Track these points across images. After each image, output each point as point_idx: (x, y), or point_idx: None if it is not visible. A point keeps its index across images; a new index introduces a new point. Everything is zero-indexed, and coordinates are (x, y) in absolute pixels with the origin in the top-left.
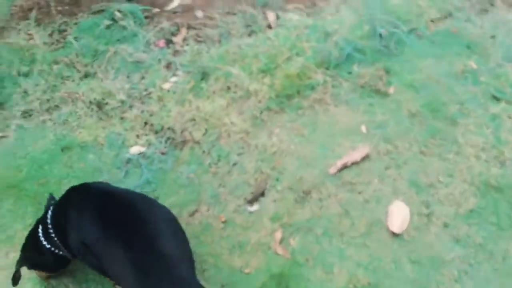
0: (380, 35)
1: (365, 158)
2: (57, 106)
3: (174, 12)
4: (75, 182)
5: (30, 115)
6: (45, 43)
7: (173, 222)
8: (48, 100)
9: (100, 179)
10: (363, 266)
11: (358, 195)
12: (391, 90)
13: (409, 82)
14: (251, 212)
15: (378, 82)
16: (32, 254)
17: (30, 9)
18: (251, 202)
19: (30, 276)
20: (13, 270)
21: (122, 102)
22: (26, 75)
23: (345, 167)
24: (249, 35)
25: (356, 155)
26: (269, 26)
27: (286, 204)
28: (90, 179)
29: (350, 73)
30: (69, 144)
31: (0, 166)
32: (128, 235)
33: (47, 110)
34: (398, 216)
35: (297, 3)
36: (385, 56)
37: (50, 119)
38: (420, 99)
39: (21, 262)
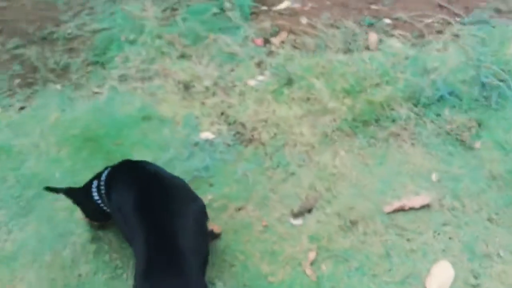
0: (483, 84)
1: (425, 206)
2: (150, 78)
3: (280, 13)
4: (145, 150)
5: (125, 80)
6: (156, 18)
7: (201, 218)
8: (143, 70)
9: (166, 154)
10: None
11: (405, 241)
12: (478, 145)
13: (500, 141)
14: (293, 225)
15: (466, 133)
16: (81, 200)
17: None
18: (296, 215)
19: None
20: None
21: (207, 88)
22: (131, 42)
23: (401, 209)
24: (345, 52)
25: (417, 201)
26: (368, 48)
27: (329, 228)
28: (157, 152)
29: (438, 115)
30: (150, 114)
31: (87, 118)
32: (154, 220)
33: (141, 79)
34: (440, 277)
35: (405, 31)
36: (481, 108)
37: (141, 88)
38: (507, 163)
39: (68, 193)
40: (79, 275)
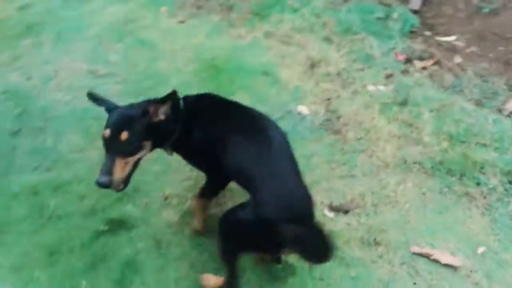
0: None
1: (452, 267)
2: (288, 43)
3: (439, 44)
4: (246, 95)
5: (269, 37)
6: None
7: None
8: (287, 36)
9: (260, 106)
10: None
11: (411, 284)
12: None
13: None
14: (324, 215)
15: None
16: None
17: None
18: (332, 208)
19: None
20: None
21: (329, 73)
22: (293, 10)
23: (426, 256)
24: (476, 104)
25: (446, 258)
26: (500, 111)
27: (353, 234)
28: (255, 101)
29: None
30: (270, 72)
31: (221, 51)
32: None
33: (281, 41)
34: None
35: None
36: None
37: (277, 48)
38: None
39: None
40: None
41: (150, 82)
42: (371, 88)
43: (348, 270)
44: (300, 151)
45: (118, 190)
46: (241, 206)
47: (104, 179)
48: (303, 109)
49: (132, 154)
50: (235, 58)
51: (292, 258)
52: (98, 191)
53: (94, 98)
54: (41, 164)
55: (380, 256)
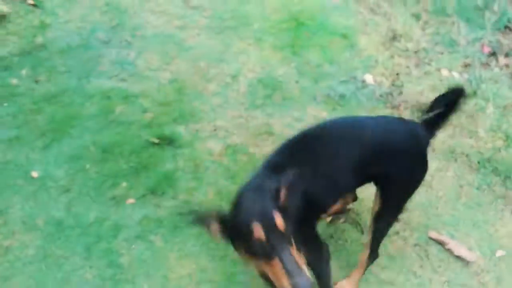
0: None
1: (464, 260)
2: (376, 13)
3: None
4: (319, 52)
5: (360, 3)
6: None
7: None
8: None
9: (328, 65)
10: None
11: (417, 266)
12: None
13: None
14: None
15: None
16: None
17: None
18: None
19: None
20: None
21: (406, 49)
22: None
23: (442, 244)
24: None
25: (461, 251)
26: None
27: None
28: (324, 59)
29: None
30: (350, 36)
31: (308, 7)
32: None
33: (369, 9)
34: None
35: None
36: None
37: (361, 15)
38: None
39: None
40: None
41: (234, 22)
42: (445, 72)
43: (361, 236)
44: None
45: None
46: None
47: (305, 280)
48: (369, 78)
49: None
50: (321, 16)
51: None
52: (160, 108)
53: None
54: (119, 74)
55: (397, 232)
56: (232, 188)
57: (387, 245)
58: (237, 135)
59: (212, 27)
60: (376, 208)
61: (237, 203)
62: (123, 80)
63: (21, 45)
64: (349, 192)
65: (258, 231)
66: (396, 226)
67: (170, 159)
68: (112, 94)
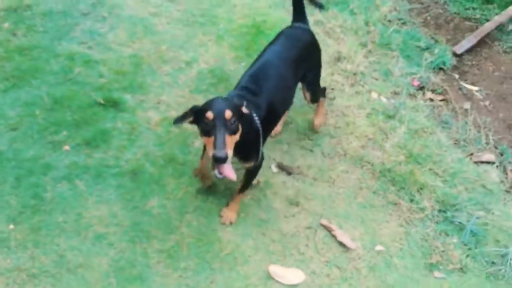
0: None
1: (346, 247)
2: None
3: (461, 88)
4: None
5: None
6: None
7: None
8: None
9: None
10: None
11: (305, 246)
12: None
13: None
14: (269, 167)
15: None
16: None
17: None
18: (279, 166)
19: None
20: None
21: None
22: None
23: (329, 230)
24: (455, 143)
25: (343, 239)
26: None
27: (281, 192)
28: None
29: None
30: None
31: None
32: None
33: None
34: None
35: None
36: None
37: None
38: None
39: None
40: None
41: (202, 19)
42: (374, 95)
43: (259, 212)
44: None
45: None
46: None
47: (222, 153)
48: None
49: (234, 132)
50: (279, 28)
51: None
52: (115, 76)
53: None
54: (88, 42)
55: (293, 215)
56: (159, 154)
57: (281, 223)
58: (176, 110)
59: (182, 19)
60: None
61: (207, 101)
62: (89, 48)
63: (9, 2)
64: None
65: (210, 115)
66: (294, 209)
67: (110, 119)
68: (76, 57)
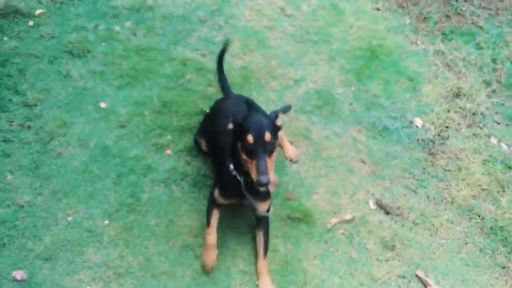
0: None
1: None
2: None
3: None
4: None
5: None
6: None
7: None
8: None
9: (386, 101)
10: None
11: None
12: None
13: None
14: (367, 203)
15: None
16: None
17: None
18: (378, 203)
19: None
20: None
21: None
22: None
23: (425, 284)
24: None
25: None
26: None
27: (376, 232)
28: None
29: None
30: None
31: None
32: None
33: None
34: None
35: None
36: None
37: None
38: None
39: None
40: None
41: (316, 37)
42: (493, 140)
43: (349, 250)
44: (389, 148)
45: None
46: None
47: (266, 178)
48: (418, 121)
49: (272, 152)
50: (396, 56)
51: None
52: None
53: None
54: (202, 49)
55: (386, 260)
56: None
57: (373, 266)
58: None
59: (295, 35)
60: None
61: (247, 117)
62: (203, 55)
63: (134, 2)
64: None
65: (250, 139)
66: (389, 253)
67: None
68: (189, 63)
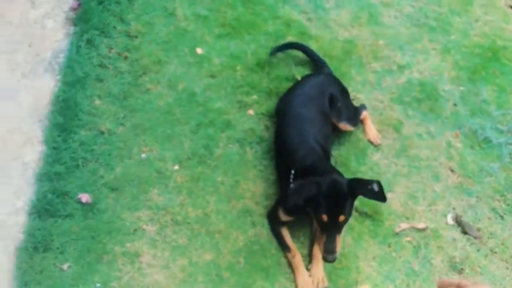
0: None
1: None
2: None
3: None
4: None
5: None
6: None
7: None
8: None
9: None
10: None
11: None
12: None
13: None
14: (445, 216)
15: None
16: None
17: None
18: (457, 220)
19: None
20: None
21: None
22: None
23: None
24: None
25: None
26: None
27: (447, 250)
28: None
29: None
30: None
31: None
32: None
33: None
34: None
35: None
36: None
37: None
38: None
39: None
40: None
41: (434, 23)
42: None
43: (412, 260)
44: (486, 163)
45: None
46: None
47: (332, 257)
48: None
49: (343, 227)
50: None
51: None
52: (323, 57)
53: None
54: (309, 13)
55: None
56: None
57: (434, 284)
58: (369, 114)
59: (412, 17)
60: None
61: (322, 183)
62: (309, 19)
63: None
64: None
65: (324, 218)
66: (454, 275)
67: None
68: (293, 25)
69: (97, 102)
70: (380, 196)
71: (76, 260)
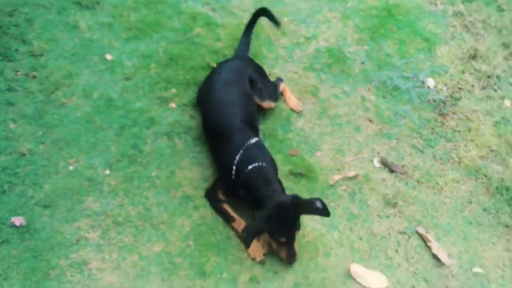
0: None
1: (440, 262)
2: None
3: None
4: None
5: None
6: None
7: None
8: None
9: (399, 61)
10: None
11: (393, 251)
12: None
13: None
14: (371, 161)
15: None
16: None
17: None
18: (383, 162)
19: None
20: None
21: None
22: None
23: (424, 240)
24: None
25: (438, 252)
26: None
27: (379, 189)
28: None
29: None
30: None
31: None
32: None
33: None
34: None
35: None
36: None
37: None
38: None
39: None
40: None
41: None
42: (507, 103)
43: (350, 206)
44: (398, 108)
45: None
46: None
47: (294, 259)
48: (430, 81)
49: None
50: (413, 16)
51: None
52: (231, 41)
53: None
54: (212, 4)
55: (387, 216)
56: (260, 128)
57: (373, 222)
58: (287, 85)
59: None
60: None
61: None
62: (213, 10)
63: None
64: None
65: (282, 239)
66: (390, 210)
67: None
68: (198, 17)
69: (12, 125)
70: (324, 211)
71: (22, 282)
